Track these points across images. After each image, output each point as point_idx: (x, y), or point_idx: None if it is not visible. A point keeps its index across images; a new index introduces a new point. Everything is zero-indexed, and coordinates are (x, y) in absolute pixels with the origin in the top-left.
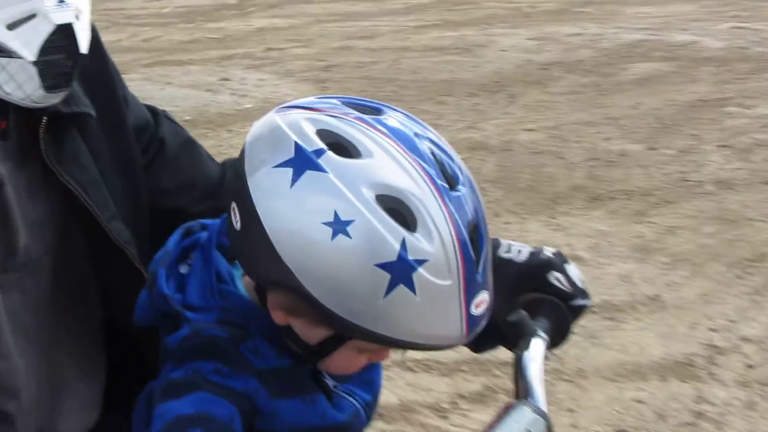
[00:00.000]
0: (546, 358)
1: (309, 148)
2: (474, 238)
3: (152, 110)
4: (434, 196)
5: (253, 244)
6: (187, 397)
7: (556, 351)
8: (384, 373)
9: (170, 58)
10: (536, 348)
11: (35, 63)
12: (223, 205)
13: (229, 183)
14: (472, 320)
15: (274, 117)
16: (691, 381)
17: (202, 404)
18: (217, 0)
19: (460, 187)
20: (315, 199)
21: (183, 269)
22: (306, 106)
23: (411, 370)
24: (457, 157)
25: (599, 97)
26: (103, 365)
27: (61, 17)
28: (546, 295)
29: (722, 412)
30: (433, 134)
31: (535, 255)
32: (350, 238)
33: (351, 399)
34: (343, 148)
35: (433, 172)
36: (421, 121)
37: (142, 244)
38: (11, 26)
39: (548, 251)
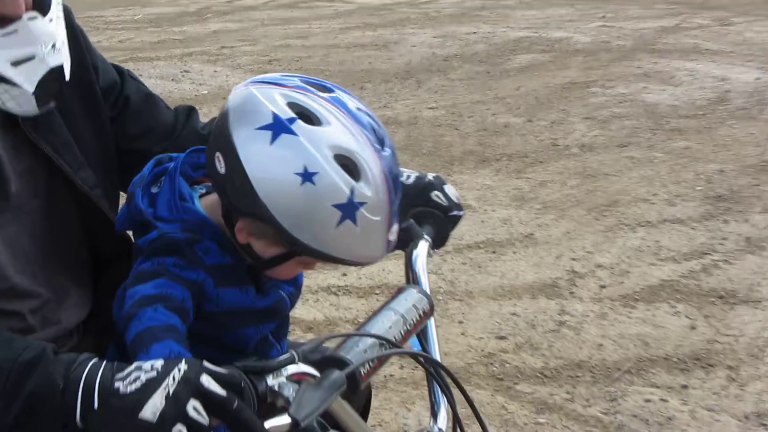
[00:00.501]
0: (429, 255)
1: (283, 117)
2: (396, 185)
3: (118, 70)
4: (372, 155)
5: (234, 185)
6: (151, 282)
7: (438, 252)
8: (313, 297)
9: (141, 55)
10: (422, 247)
11: (33, 92)
12: (177, 144)
13: (214, 138)
14: (389, 244)
15: (251, 89)
16: (556, 298)
17: (162, 287)
18: (180, 9)
19: (386, 148)
20: (289, 155)
21: (154, 189)
22: (275, 81)
23: (335, 294)
24: (382, 126)
25: (489, 81)
26: (90, 277)
27: (55, 60)
28: (429, 208)
29: (580, 321)
30: (368, 108)
31: (420, 178)
32: (314, 185)
33: (278, 290)
34: (308, 117)
35: (371, 136)
36: (358, 97)
37: (112, 184)
38: (15, 63)
39: (430, 176)
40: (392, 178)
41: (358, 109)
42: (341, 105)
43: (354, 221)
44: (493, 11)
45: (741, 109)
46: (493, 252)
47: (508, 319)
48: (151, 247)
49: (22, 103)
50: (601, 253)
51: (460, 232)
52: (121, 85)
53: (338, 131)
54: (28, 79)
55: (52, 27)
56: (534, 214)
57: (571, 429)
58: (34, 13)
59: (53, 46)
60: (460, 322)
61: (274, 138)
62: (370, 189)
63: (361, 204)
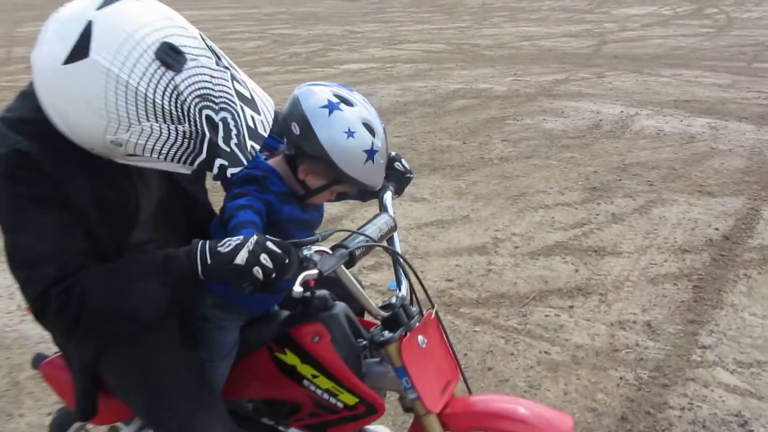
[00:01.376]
0: (392, 198)
1: (333, 101)
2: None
3: None
4: (379, 124)
5: (307, 140)
6: (243, 199)
7: (396, 198)
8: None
9: None
10: (388, 194)
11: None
12: None
13: (289, 114)
14: (382, 178)
15: (311, 86)
16: (485, 255)
17: (249, 201)
18: None
19: (382, 122)
20: (340, 122)
21: None
22: (323, 84)
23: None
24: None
25: (436, 118)
26: (185, 233)
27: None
28: (393, 172)
29: (501, 269)
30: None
31: (389, 154)
32: (354, 139)
33: (313, 211)
34: (346, 101)
35: (377, 114)
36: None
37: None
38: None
39: (395, 153)
40: (386, 138)
41: (365, 99)
42: (360, 97)
43: (372, 161)
44: (438, 72)
45: (609, 131)
46: (442, 228)
47: (453, 269)
48: (240, 180)
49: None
50: (514, 226)
51: (419, 215)
52: None
53: (362, 109)
54: (188, 171)
55: None
56: (469, 202)
57: (497, 334)
58: None
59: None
60: (421, 271)
61: (330, 113)
62: (380, 142)
63: (376, 151)
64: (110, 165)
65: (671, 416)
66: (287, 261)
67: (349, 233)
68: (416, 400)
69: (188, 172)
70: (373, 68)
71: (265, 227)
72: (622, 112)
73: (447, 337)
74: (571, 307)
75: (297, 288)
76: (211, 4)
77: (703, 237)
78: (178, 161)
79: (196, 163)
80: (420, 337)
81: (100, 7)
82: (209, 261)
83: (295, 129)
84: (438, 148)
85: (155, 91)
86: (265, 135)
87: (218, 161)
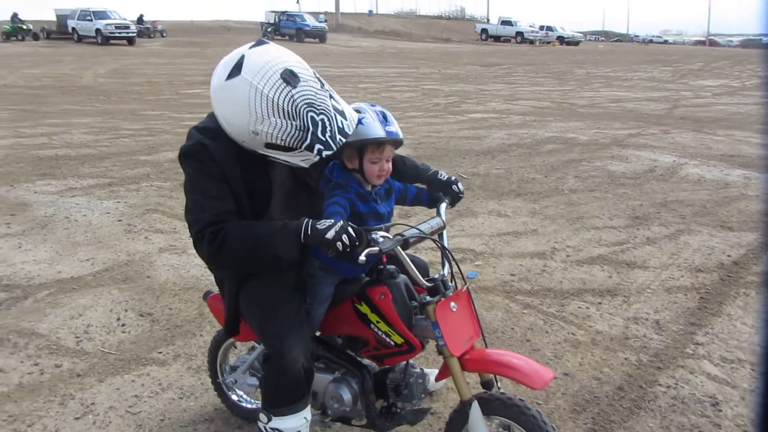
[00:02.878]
0: (447, 209)
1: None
2: (379, 115)
3: None
4: (371, 110)
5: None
6: (333, 198)
7: (453, 210)
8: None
9: None
10: (443, 204)
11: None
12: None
13: None
14: (387, 133)
15: (361, 104)
16: (543, 260)
17: (337, 199)
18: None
19: (377, 110)
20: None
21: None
22: (360, 107)
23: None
24: (377, 105)
25: (529, 157)
26: (309, 215)
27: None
28: (451, 189)
29: (552, 271)
30: (378, 108)
31: (449, 177)
32: (362, 124)
33: (384, 206)
34: (359, 110)
35: (378, 111)
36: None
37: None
38: (303, 160)
39: (453, 177)
40: (381, 114)
41: (372, 104)
42: (372, 105)
43: (362, 122)
44: (539, 122)
45: (660, 175)
46: (515, 237)
47: (517, 267)
48: (331, 186)
49: (300, 167)
50: (570, 240)
51: (501, 226)
52: None
53: (371, 119)
54: (306, 164)
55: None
56: (539, 220)
57: (539, 317)
58: None
59: (315, 156)
60: (494, 267)
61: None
62: (368, 117)
63: (363, 119)
64: (256, 162)
65: (658, 391)
66: (358, 241)
67: (408, 227)
68: (444, 346)
69: (305, 165)
70: (492, 117)
71: (349, 217)
72: (674, 161)
73: (474, 306)
74: (600, 303)
75: (362, 258)
76: (385, 64)
77: (717, 261)
78: (293, 146)
79: (303, 146)
80: (452, 303)
81: (251, 48)
82: (309, 232)
83: None
84: (525, 179)
85: (279, 97)
86: (350, 133)
87: (317, 146)
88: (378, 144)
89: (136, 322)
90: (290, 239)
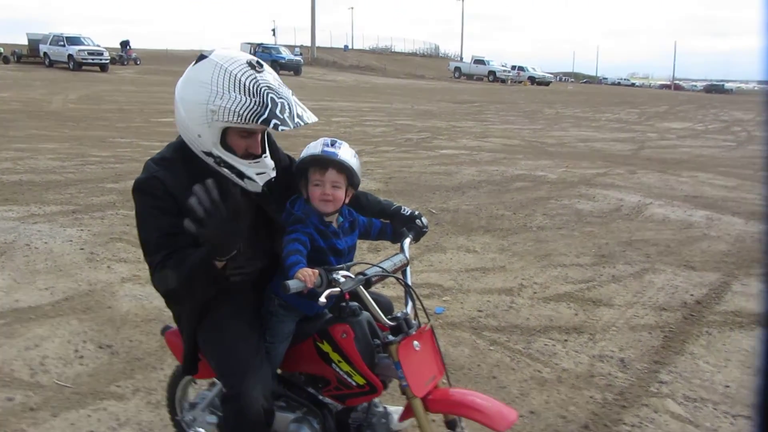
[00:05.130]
0: (410, 244)
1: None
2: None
3: (289, 157)
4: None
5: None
6: (293, 234)
7: (421, 245)
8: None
9: None
10: (407, 240)
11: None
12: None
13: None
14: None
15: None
16: (510, 296)
17: (297, 235)
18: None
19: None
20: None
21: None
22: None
23: None
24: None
25: (498, 194)
26: (268, 248)
27: (273, 173)
28: (413, 225)
29: (519, 307)
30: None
31: (413, 212)
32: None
33: (342, 241)
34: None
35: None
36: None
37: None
38: (257, 174)
39: (417, 212)
40: (329, 140)
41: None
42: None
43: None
44: (509, 160)
45: (626, 214)
46: (483, 273)
47: (485, 303)
48: (291, 221)
49: (254, 188)
50: (537, 277)
51: (469, 262)
52: (291, 166)
53: (317, 142)
54: (261, 181)
55: (271, 163)
56: (507, 257)
57: (505, 354)
58: (266, 154)
59: (273, 169)
60: (461, 303)
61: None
62: (314, 142)
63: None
64: None
65: (623, 430)
66: (320, 281)
67: (370, 265)
68: (407, 386)
69: (260, 182)
70: (463, 154)
71: (310, 252)
72: (640, 201)
73: (437, 344)
74: (566, 340)
75: (322, 299)
76: (359, 98)
77: (680, 300)
78: (250, 120)
79: (260, 120)
80: (415, 342)
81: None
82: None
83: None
84: (494, 215)
85: (243, 76)
86: (309, 122)
87: (274, 121)
88: (319, 165)
89: (95, 354)
90: (211, 270)
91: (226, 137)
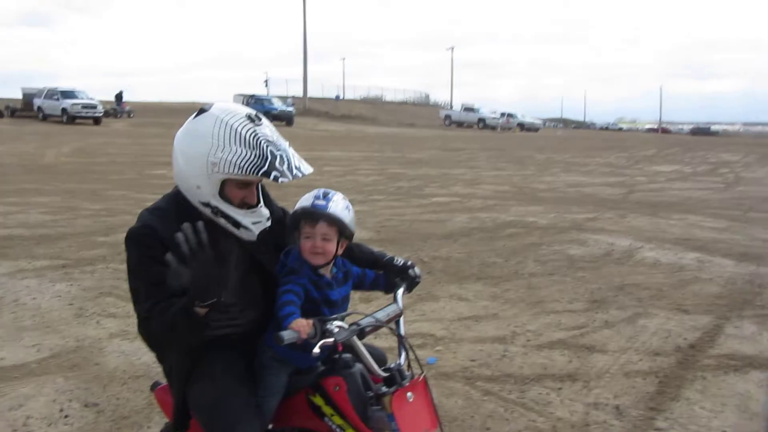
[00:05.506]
0: (404, 294)
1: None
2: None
3: (283, 210)
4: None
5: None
6: (287, 285)
7: (414, 294)
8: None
9: None
10: (400, 290)
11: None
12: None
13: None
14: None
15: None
16: (504, 344)
17: (291, 285)
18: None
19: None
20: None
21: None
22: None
23: None
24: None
25: (490, 241)
26: (261, 298)
27: (268, 224)
28: (407, 275)
29: (513, 355)
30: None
31: (405, 262)
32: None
33: (336, 293)
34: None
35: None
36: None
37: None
38: (254, 223)
39: (409, 262)
40: (322, 192)
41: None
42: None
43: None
44: (501, 206)
45: (617, 259)
46: (476, 321)
47: (478, 352)
48: (285, 272)
49: (249, 237)
50: (530, 324)
51: (462, 310)
52: (284, 217)
53: (309, 194)
54: (256, 230)
55: (267, 212)
56: (500, 304)
57: (499, 404)
58: (261, 204)
59: (268, 219)
60: (454, 352)
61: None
62: (306, 194)
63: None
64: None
65: None
66: (314, 332)
67: (364, 315)
68: None
69: (255, 231)
70: (455, 201)
71: (304, 303)
72: (631, 244)
73: (431, 395)
74: (560, 388)
75: (316, 350)
76: (351, 147)
77: (674, 344)
78: (250, 172)
79: (261, 172)
80: (408, 394)
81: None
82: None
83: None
84: (486, 262)
85: (243, 129)
86: (306, 173)
87: (274, 173)
88: (309, 218)
89: (80, 413)
90: (192, 320)
91: (223, 188)
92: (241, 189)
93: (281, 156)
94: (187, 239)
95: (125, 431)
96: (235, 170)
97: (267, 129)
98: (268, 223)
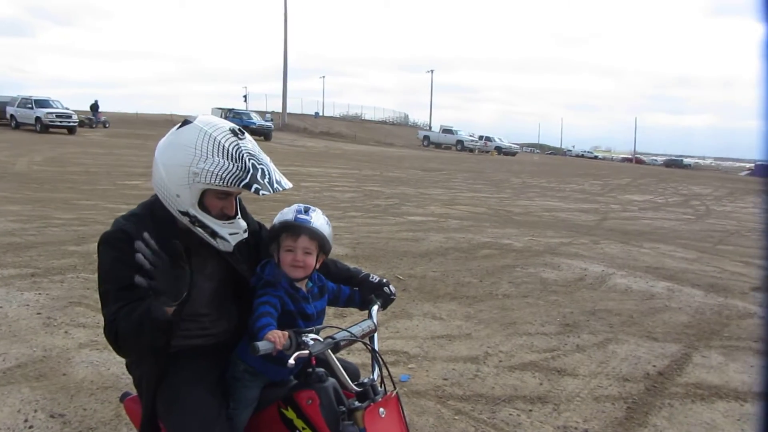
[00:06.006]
0: (378, 311)
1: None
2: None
3: (259, 223)
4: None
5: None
6: (263, 297)
7: (388, 311)
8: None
9: None
10: (375, 307)
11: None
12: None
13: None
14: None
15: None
16: (476, 364)
17: (267, 298)
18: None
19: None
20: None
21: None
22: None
23: None
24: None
25: (465, 261)
26: (235, 308)
27: (244, 236)
28: (382, 292)
29: (485, 376)
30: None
31: (381, 279)
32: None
33: (312, 306)
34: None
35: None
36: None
37: (252, 268)
38: (231, 234)
39: (386, 279)
40: (303, 207)
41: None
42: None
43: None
44: (476, 228)
45: (589, 284)
46: (449, 341)
47: (450, 371)
48: (261, 285)
49: (226, 248)
50: (502, 345)
51: (435, 329)
52: (260, 230)
53: (290, 209)
54: (233, 241)
55: (244, 224)
56: (473, 324)
57: (470, 423)
58: (239, 216)
59: (245, 231)
60: (426, 371)
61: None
62: (287, 208)
63: (282, 211)
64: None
65: None
66: (289, 343)
67: (339, 329)
68: None
69: (231, 242)
70: (431, 221)
71: (280, 315)
72: (603, 270)
73: (403, 412)
74: (531, 410)
75: (291, 361)
76: (328, 164)
77: (643, 371)
78: (232, 183)
79: (242, 185)
80: (381, 409)
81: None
82: (251, 352)
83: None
84: (461, 282)
85: (226, 142)
86: (287, 188)
87: (255, 185)
88: (291, 232)
89: (46, 423)
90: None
91: (203, 198)
92: (220, 200)
93: (263, 170)
94: (144, 255)
95: None
96: (217, 181)
97: (249, 143)
98: (245, 235)
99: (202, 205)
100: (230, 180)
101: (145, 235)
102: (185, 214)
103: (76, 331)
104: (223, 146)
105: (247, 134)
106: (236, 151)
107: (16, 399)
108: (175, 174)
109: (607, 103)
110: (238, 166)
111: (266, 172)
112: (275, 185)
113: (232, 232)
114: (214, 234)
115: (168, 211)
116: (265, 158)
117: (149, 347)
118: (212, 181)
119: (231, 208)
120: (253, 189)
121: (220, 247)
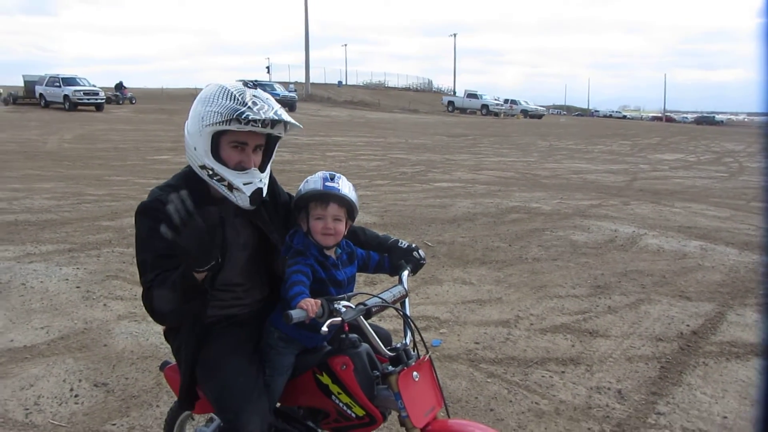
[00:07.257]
0: (408, 276)
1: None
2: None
3: (289, 195)
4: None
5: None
6: (294, 266)
7: (418, 277)
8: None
9: None
10: (405, 272)
11: (249, 197)
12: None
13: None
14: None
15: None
16: (508, 328)
17: (298, 267)
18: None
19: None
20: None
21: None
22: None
23: None
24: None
25: (494, 226)
26: (267, 278)
27: (261, 185)
28: (411, 257)
29: (516, 339)
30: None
31: (410, 245)
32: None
33: (342, 273)
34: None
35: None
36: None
37: (282, 236)
38: (245, 184)
39: (415, 245)
40: (329, 175)
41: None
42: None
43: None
44: (504, 192)
45: (620, 245)
46: (480, 305)
47: (482, 335)
48: (291, 253)
49: (243, 201)
50: (533, 308)
51: (466, 294)
52: (290, 201)
53: (317, 176)
54: (248, 191)
55: (262, 174)
56: (503, 288)
57: (503, 386)
58: (256, 169)
59: (261, 180)
60: (458, 335)
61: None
62: (314, 176)
63: (309, 178)
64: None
65: None
66: (321, 311)
67: (370, 296)
68: (406, 417)
69: (247, 194)
70: (458, 186)
71: (312, 283)
72: (634, 231)
73: (436, 375)
74: (563, 372)
75: (324, 329)
76: (353, 133)
77: (676, 330)
78: (227, 116)
79: (235, 114)
80: (414, 373)
81: None
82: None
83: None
84: (490, 247)
85: (235, 90)
86: (289, 121)
87: (247, 114)
88: (321, 200)
89: (90, 392)
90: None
91: (219, 150)
92: (235, 150)
93: (262, 105)
94: (177, 210)
95: (134, 410)
96: (217, 118)
97: (260, 93)
98: (262, 185)
99: (218, 156)
100: (226, 114)
101: (183, 192)
102: (203, 167)
103: (114, 304)
104: (231, 92)
105: (261, 91)
106: (240, 95)
107: (61, 369)
108: (191, 126)
109: (634, 61)
110: (237, 102)
111: (265, 106)
112: (271, 114)
113: (246, 182)
114: (230, 186)
115: (202, 181)
116: (273, 102)
117: (185, 313)
118: (213, 120)
119: (248, 161)
120: (243, 116)
121: (239, 203)
